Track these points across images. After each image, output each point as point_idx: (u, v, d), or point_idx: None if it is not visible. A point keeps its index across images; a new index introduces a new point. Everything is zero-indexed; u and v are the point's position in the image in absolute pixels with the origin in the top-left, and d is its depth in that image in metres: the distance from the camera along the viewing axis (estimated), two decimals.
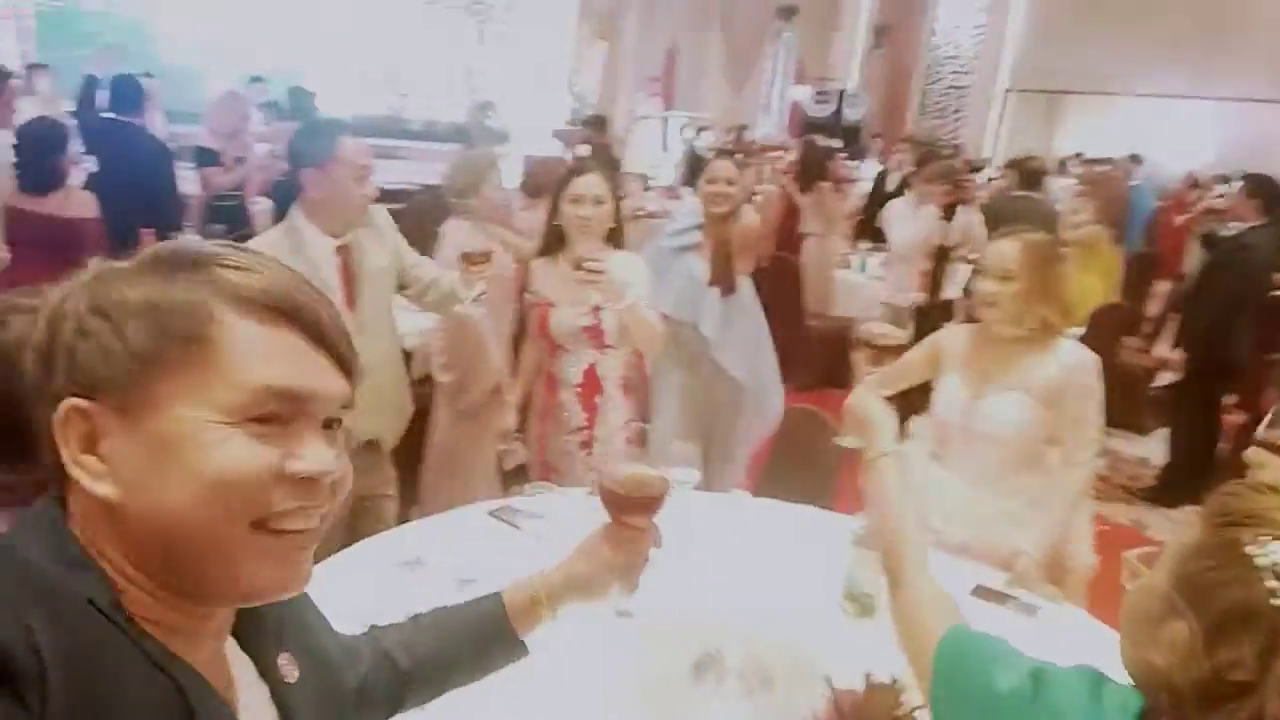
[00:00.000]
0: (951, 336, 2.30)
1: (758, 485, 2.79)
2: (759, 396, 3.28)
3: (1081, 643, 1.71)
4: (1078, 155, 9.69)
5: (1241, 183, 4.88)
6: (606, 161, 7.70)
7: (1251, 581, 0.79)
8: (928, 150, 4.93)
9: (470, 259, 2.47)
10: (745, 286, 3.30)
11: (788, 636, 1.71)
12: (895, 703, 1.30)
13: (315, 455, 0.66)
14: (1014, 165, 5.43)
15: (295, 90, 7.57)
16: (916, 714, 1.28)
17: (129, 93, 4.49)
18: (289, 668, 0.78)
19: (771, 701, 1.37)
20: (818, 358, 5.27)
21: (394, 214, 2.54)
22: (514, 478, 2.83)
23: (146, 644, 0.63)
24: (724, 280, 3.19)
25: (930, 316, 4.27)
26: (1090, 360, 2.12)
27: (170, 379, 0.63)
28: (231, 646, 0.75)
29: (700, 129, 12.55)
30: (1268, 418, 1.52)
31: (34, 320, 0.98)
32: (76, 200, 3.55)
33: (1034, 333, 2.11)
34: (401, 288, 2.50)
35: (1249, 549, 0.81)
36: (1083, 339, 2.39)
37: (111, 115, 4.52)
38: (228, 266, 0.67)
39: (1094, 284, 4.34)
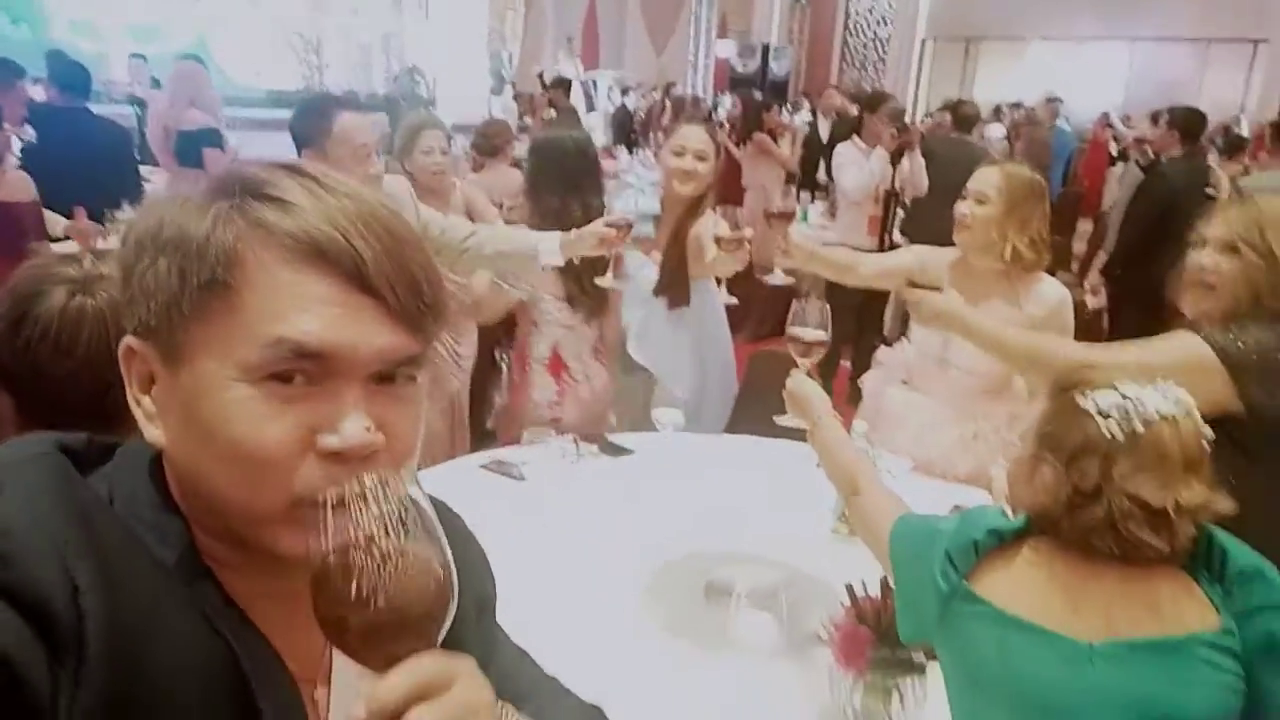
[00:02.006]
0: (934, 258, 2.37)
1: (732, 426, 2.86)
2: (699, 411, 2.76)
3: None
4: (1015, 105, 9.93)
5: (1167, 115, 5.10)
6: (571, 125, 7.61)
7: (1086, 424, 1.07)
8: (875, 93, 5.00)
9: None
10: (706, 298, 2.71)
11: (789, 560, 1.79)
12: None
13: (349, 426, 0.57)
14: (949, 109, 5.56)
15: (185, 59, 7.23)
16: None
17: (73, 77, 4.31)
18: None
19: (780, 617, 1.45)
20: (767, 309, 5.37)
21: None
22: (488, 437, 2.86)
23: (213, 604, 0.59)
24: (674, 289, 2.62)
25: None
26: (1069, 299, 2.23)
27: (195, 328, 0.57)
28: None
29: (626, 89, 12.51)
30: None
31: (73, 290, 1.05)
32: (9, 183, 3.41)
33: (1009, 266, 2.20)
34: (435, 253, 2.39)
35: (1080, 401, 1.08)
36: None
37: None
38: (269, 198, 0.58)
39: None
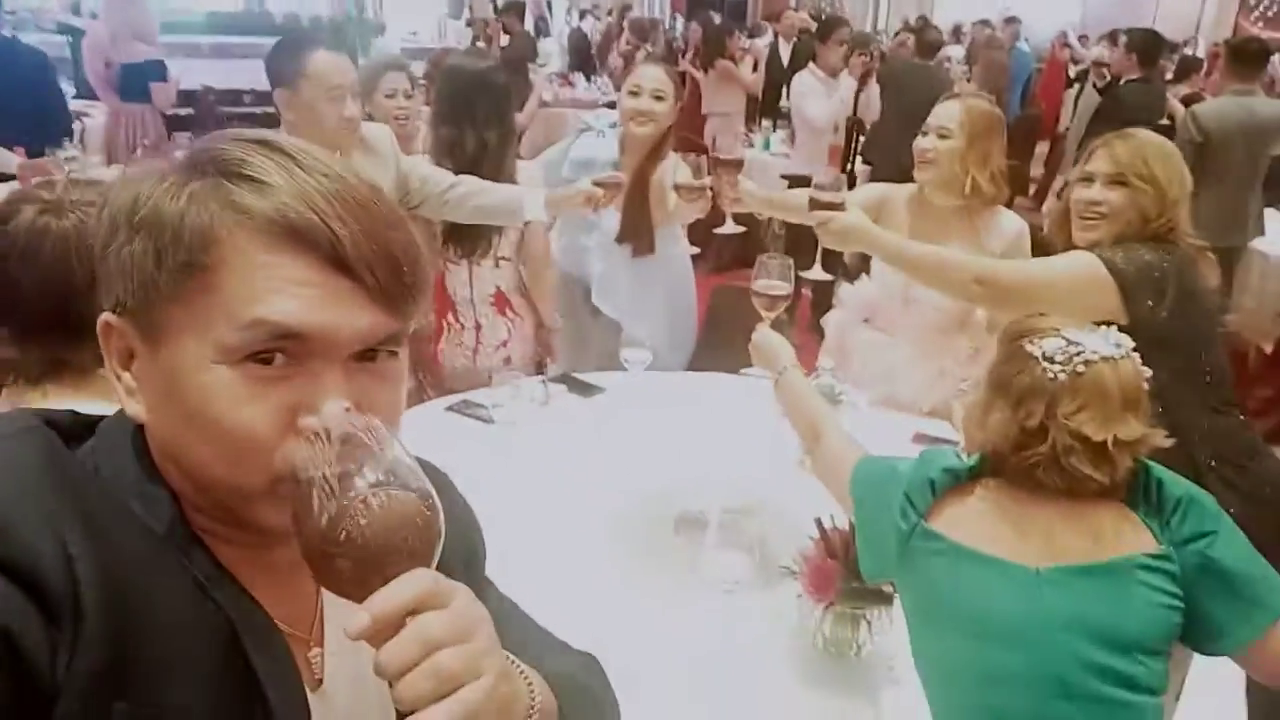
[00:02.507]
0: (897, 195, 2.37)
1: (696, 361, 2.88)
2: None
3: None
4: (982, 23, 9.83)
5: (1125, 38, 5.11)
6: (525, 51, 7.38)
7: (1033, 368, 1.12)
8: (828, 20, 4.89)
9: None
10: (670, 245, 2.65)
11: (757, 493, 1.83)
12: None
13: (329, 407, 0.57)
14: (912, 32, 5.49)
15: None
16: None
17: None
18: None
19: (750, 548, 1.48)
20: (725, 243, 5.35)
21: (266, 118, 2.37)
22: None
23: (204, 569, 0.60)
24: (637, 235, 2.53)
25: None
26: (1026, 230, 2.25)
27: (173, 309, 0.58)
28: None
29: (583, 12, 12.17)
30: None
31: (43, 209, 1.15)
32: None
33: (968, 200, 2.22)
34: (413, 208, 2.30)
35: (1027, 347, 1.14)
36: None
37: None
38: (244, 178, 0.58)
39: None
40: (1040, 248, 2.35)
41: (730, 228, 2.31)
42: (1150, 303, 1.71)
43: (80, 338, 1.05)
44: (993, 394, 1.17)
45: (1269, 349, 3.75)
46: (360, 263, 0.58)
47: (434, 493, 0.57)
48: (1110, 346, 1.12)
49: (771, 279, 1.79)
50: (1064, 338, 1.13)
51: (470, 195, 2.27)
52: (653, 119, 2.49)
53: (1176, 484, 1.14)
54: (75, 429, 0.64)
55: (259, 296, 0.56)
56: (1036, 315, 1.20)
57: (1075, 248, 1.85)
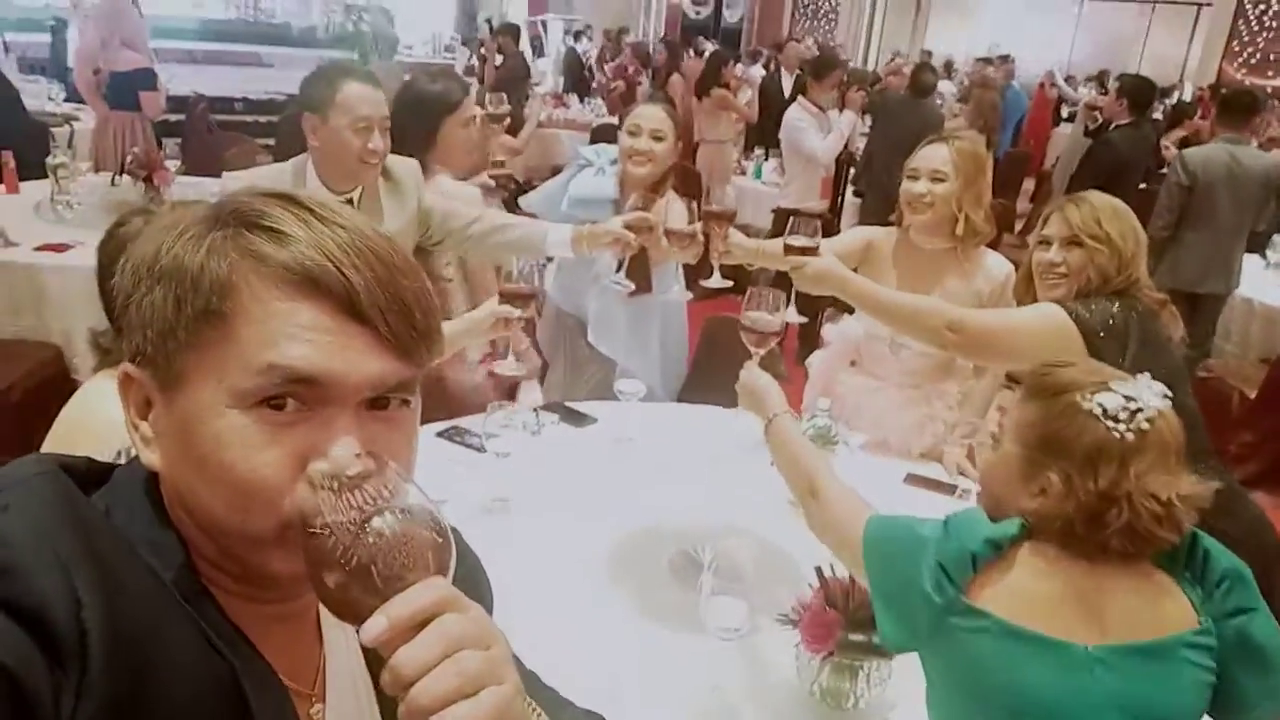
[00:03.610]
0: (883, 240, 2.37)
1: (686, 393, 2.87)
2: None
3: None
4: (983, 60, 9.97)
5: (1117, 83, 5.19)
6: (519, 70, 7.39)
7: (1094, 427, 1.09)
8: (821, 60, 4.92)
9: None
10: (667, 283, 2.60)
11: (754, 535, 1.82)
12: None
13: (339, 452, 0.58)
14: (910, 74, 5.55)
15: None
16: None
17: None
18: None
19: (746, 594, 1.46)
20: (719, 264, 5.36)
21: (266, 127, 2.35)
22: None
23: (210, 620, 0.60)
24: (634, 275, 2.44)
25: (832, 224, 4.38)
26: (1014, 273, 2.26)
27: (190, 356, 0.59)
28: (341, 628, 0.70)
29: (578, 33, 12.23)
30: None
31: (147, 221, 1.22)
32: None
33: (957, 242, 2.22)
34: (435, 243, 2.29)
35: (1082, 404, 1.10)
36: None
37: None
38: (263, 229, 0.59)
39: None
40: None
41: (717, 281, 2.26)
42: (1113, 353, 1.74)
43: None
44: (1042, 456, 1.11)
45: (1252, 395, 3.79)
46: (373, 310, 0.59)
47: (446, 527, 0.57)
48: (1159, 398, 1.10)
49: (762, 312, 1.73)
50: (1119, 393, 1.09)
51: (493, 231, 2.24)
52: (651, 159, 2.47)
53: (1223, 555, 1.12)
54: (90, 475, 0.64)
55: (273, 342, 0.58)
56: (1056, 365, 1.17)
57: None
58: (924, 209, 2.21)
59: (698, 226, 2.25)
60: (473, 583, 0.79)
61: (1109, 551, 1.08)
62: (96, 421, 1.33)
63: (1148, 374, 1.14)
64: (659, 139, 2.46)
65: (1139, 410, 1.08)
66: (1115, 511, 1.06)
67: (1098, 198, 1.90)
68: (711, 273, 2.27)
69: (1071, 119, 8.03)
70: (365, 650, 0.72)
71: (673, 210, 2.43)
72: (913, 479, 2.19)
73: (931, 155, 2.22)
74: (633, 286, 2.36)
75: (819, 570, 1.39)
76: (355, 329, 0.59)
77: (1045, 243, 1.90)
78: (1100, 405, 1.09)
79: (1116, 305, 1.78)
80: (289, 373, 0.57)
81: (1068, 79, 10.76)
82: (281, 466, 0.58)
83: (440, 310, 0.66)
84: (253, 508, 0.58)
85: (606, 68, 9.57)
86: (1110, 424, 1.08)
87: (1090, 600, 1.09)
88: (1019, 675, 1.07)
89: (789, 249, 1.97)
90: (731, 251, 2.19)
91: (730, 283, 2.28)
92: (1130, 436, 1.07)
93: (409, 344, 0.61)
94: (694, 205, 2.31)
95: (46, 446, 1.37)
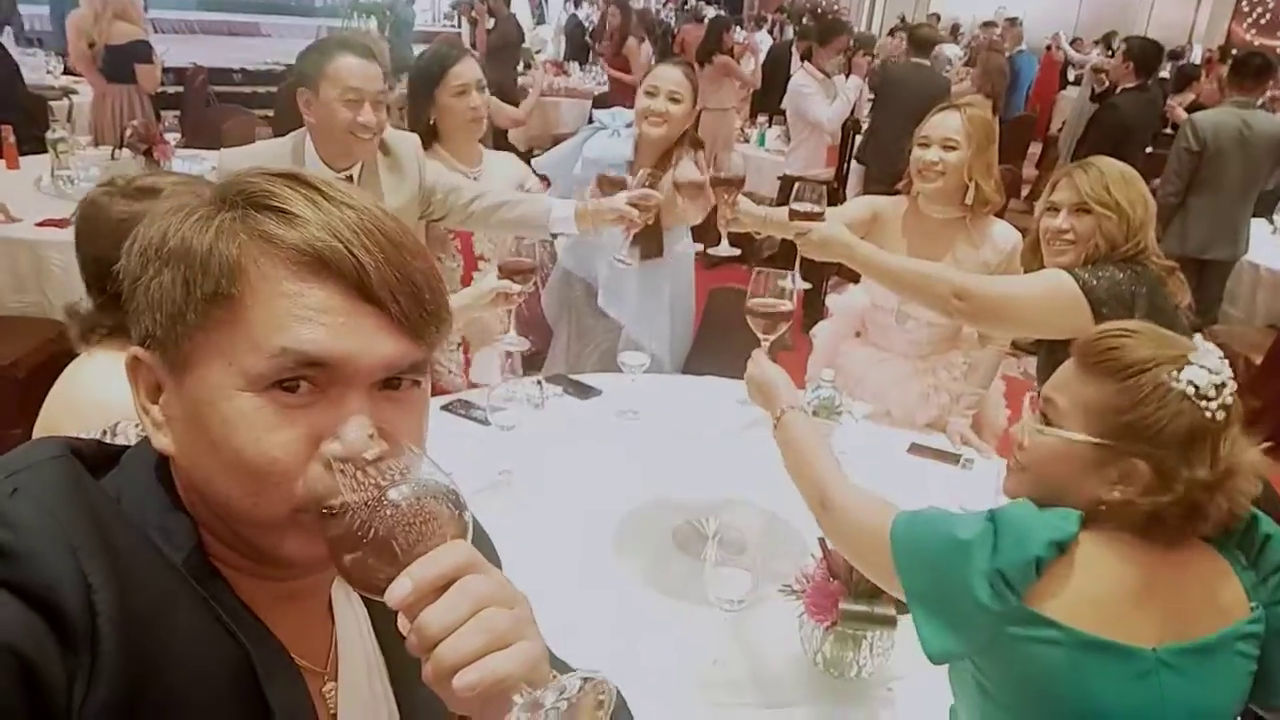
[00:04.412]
0: (890, 209, 2.35)
1: (691, 363, 2.87)
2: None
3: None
4: (988, 24, 9.84)
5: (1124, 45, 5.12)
6: (511, 35, 7.28)
7: (1190, 410, 1.00)
8: (827, 24, 4.86)
9: None
10: (678, 248, 2.63)
11: (757, 506, 1.82)
12: None
13: (351, 432, 0.58)
14: (906, 31, 5.48)
15: None
16: None
17: None
18: None
19: (750, 565, 1.47)
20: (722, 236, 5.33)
21: (265, 98, 2.31)
22: None
23: (222, 602, 0.60)
24: (646, 240, 2.46)
25: (837, 193, 4.33)
26: (1021, 242, 2.25)
27: (200, 338, 0.58)
28: (352, 606, 0.72)
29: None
30: None
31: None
32: None
33: (966, 210, 2.21)
34: (437, 219, 2.27)
35: (1170, 384, 1.00)
36: None
37: None
38: (271, 210, 0.59)
39: None
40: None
41: (725, 249, 2.25)
42: (1119, 319, 1.71)
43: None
44: (1126, 443, 1.02)
45: (1258, 360, 3.78)
46: (384, 291, 0.59)
47: (462, 497, 0.58)
48: (1225, 364, 1.02)
49: (771, 295, 1.64)
50: (1204, 366, 1.00)
51: (496, 207, 2.23)
52: (667, 120, 2.46)
53: None
54: (99, 458, 0.64)
55: (284, 325, 0.57)
56: (1117, 334, 1.07)
57: None
58: (935, 177, 2.19)
59: (704, 175, 2.24)
60: (482, 550, 0.80)
61: (1188, 537, 1.02)
62: (79, 402, 1.34)
63: (1200, 336, 1.08)
64: (676, 100, 2.45)
65: (1224, 384, 1.00)
66: (1220, 499, 1.00)
67: (1106, 163, 1.87)
68: (720, 240, 2.26)
69: (1078, 83, 7.93)
70: (377, 628, 0.74)
71: (682, 164, 2.43)
72: (916, 449, 2.19)
73: (943, 123, 2.20)
74: (633, 264, 2.36)
75: (822, 541, 1.39)
76: (366, 310, 0.59)
77: (1053, 209, 1.87)
78: (1192, 384, 1.00)
79: (1125, 273, 1.77)
80: (301, 356, 0.57)
81: (1074, 42, 10.63)
82: (293, 448, 0.58)
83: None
84: (265, 491, 0.58)
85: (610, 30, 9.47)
86: (1205, 404, 0.99)
87: (1158, 593, 1.02)
88: (1089, 685, 0.99)
89: (794, 214, 1.95)
90: (739, 219, 2.17)
91: (738, 250, 2.26)
92: (1220, 415, 1.00)
93: (420, 324, 0.61)
94: (700, 157, 2.29)
95: (36, 428, 1.38)
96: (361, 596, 0.71)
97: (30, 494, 0.55)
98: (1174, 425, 1.00)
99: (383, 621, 0.74)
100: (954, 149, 2.17)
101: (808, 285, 2.59)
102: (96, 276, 1.38)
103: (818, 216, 1.95)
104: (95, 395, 1.29)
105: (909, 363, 2.34)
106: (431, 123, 2.43)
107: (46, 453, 0.59)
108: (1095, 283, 1.75)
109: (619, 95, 6.29)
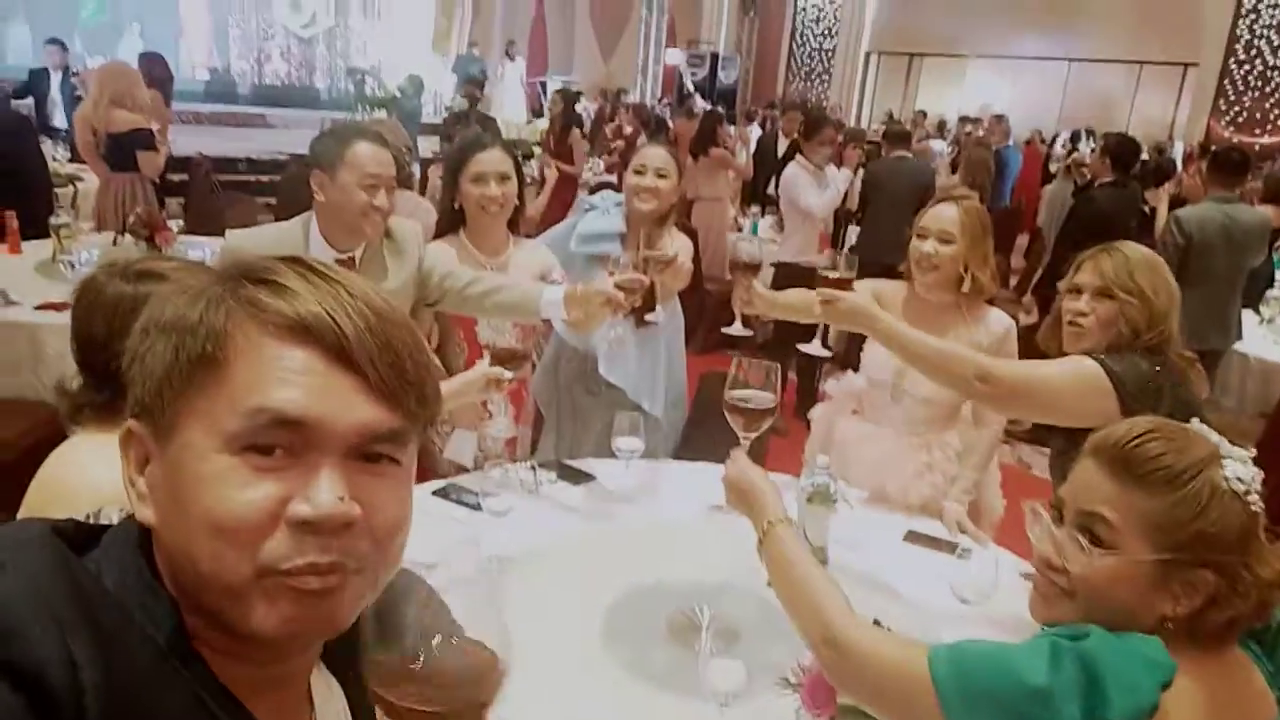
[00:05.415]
0: (890, 294, 2.38)
1: (682, 450, 2.86)
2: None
3: (1012, 580, 1.86)
4: (974, 120, 10.18)
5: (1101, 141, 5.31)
6: (481, 119, 7.53)
7: (1238, 508, 0.97)
8: (812, 119, 5.03)
9: None
10: (671, 317, 2.76)
11: (752, 594, 1.79)
12: None
13: (320, 496, 0.58)
14: (885, 134, 5.72)
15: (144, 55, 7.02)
16: None
17: None
18: None
19: (744, 656, 1.44)
20: (714, 320, 5.39)
21: (269, 186, 2.40)
22: None
23: (204, 684, 0.60)
24: (641, 308, 2.50)
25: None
26: (1014, 328, 2.28)
27: (184, 402, 0.60)
28: (328, 688, 0.72)
29: (577, 93, 12.46)
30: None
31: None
32: None
33: (963, 298, 2.25)
34: (432, 303, 2.33)
35: (1222, 483, 0.97)
36: None
37: None
38: (265, 283, 0.61)
39: None
40: (1023, 341, 2.38)
41: (739, 329, 2.31)
42: (1147, 408, 1.68)
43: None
44: (1190, 554, 0.96)
45: (1250, 449, 3.78)
46: (363, 356, 0.60)
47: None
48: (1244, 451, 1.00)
49: (752, 388, 1.55)
50: (1238, 460, 0.97)
51: (489, 292, 2.28)
52: (656, 195, 2.63)
53: None
54: (79, 538, 0.64)
55: (263, 386, 0.58)
56: (1147, 438, 1.01)
57: (1066, 355, 1.88)
58: (930, 269, 2.23)
59: (669, 253, 2.43)
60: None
61: (1230, 640, 0.98)
62: (64, 486, 1.33)
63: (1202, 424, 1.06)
64: (663, 176, 2.63)
65: (1256, 474, 0.98)
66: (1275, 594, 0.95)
67: (1131, 248, 1.83)
68: (733, 320, 2.31)
69: (1056, 176, 8.16)
70: (356, 715, 0.72)
71: (677, 245, 2.59)
72: (913, 536, 2.16)
73: (940, 215, 2.25)
74: (628, 330, 2.48)
75: None
76: (344, 374, 0.60)
77: (1076, 291, 1.85)
78: (1239, 479, 0.96)
79: (1148, 364, 1.73)
80: (276, 415, 0.58)
81: (1052, 139, 10.98)
82: (259, 507, 0.57)
83: (436, 368, 0.66)
84: (227, 553, 0.57)
85: (606, 128, 9.77)
86: (1250, 498, 0.96)
87: (1232, 705, 0.97)
88: None
89: (824, 281, 1.99)
90: (753, 302, 2.21)
91: (751, 331, 2.31)
92: (1258, 506, 0.96)
93: (399, 391, 0.61)
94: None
95: (22, 509, 1.37)
96: (339, 681, 0.71)
97: (16, 572, 0.55)
98: (1232, 528, 0.96)
99: (360, 705, 0.73)
100: (949, 243, 2.21)
101: (828, 352, 2.64)
102: (87, 354, 1.39)
103: (847, 285, 1.98)
104: (84, 477, 1.28)
105: (903, 439, 2.34)
106: (457, 207, 2.51)
107: (31, 532, 0.59)
108: (1122, 372, 1.71)
109: (562, 187, 6.54)
